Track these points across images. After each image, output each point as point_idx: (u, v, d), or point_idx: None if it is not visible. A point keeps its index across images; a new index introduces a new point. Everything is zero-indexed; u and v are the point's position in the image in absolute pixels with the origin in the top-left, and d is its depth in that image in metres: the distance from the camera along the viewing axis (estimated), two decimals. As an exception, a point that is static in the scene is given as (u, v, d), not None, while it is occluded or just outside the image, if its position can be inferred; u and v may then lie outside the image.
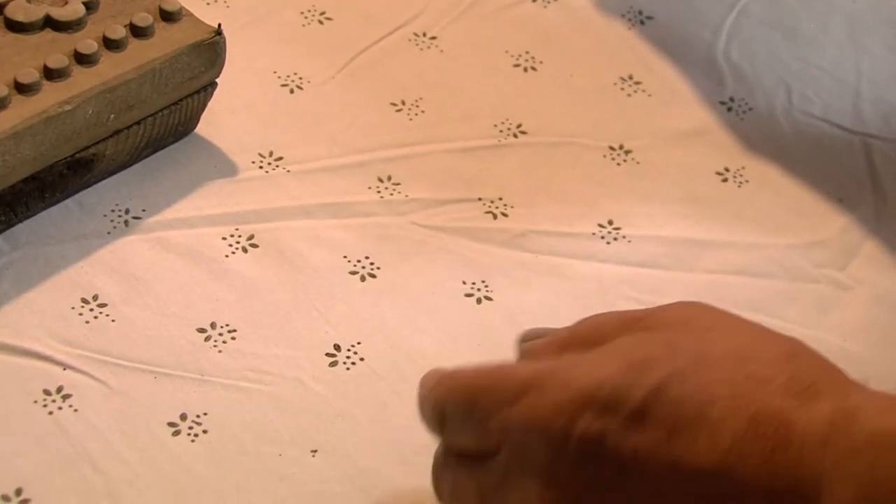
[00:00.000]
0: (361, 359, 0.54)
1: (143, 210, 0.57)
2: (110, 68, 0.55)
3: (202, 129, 0.60)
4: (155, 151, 0.59)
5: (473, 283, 0.57)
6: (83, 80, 0.55)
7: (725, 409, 0.39)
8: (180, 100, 0.58)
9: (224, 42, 0.58)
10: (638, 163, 0.63)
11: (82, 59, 0.55)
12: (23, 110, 0.53)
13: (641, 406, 0.39)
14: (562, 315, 0.56)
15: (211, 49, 0.57)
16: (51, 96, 0.54)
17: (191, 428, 0.51)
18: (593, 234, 0.59)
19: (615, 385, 0.40)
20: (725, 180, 0.62)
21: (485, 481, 0.43)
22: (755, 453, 0.38)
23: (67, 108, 0.54)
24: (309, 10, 0.66)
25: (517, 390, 0.42)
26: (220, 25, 0.57)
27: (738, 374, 0.40)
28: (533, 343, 0.47)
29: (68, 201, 0.57)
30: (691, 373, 0.40)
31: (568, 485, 0.40)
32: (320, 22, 0.66)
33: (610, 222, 0.60)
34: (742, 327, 0.44)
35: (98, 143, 0.56)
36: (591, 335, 0.44)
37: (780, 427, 0.39)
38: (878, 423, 0.38)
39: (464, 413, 0.44)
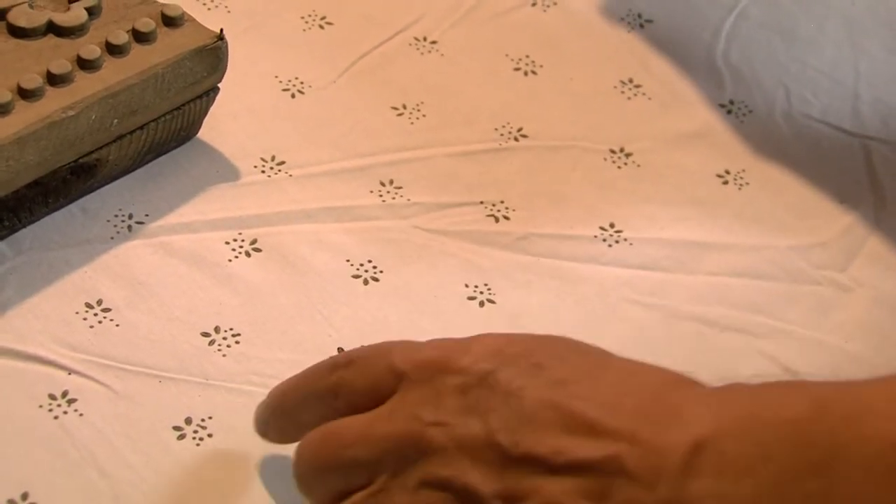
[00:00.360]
0: (366, 363, 0.54)
1: (147, 215, 0.57)
2: (113, 74, 0.55)
3: (204, 133, 0.60)
4: (158, 156, 0.59)
5: (476, 287, 0.57)
6: (86, 86, 0.55)
7: (615, 378, 0.43)
8: (183, 105, 0.58)
9: (226, 47, 0.58)
10: (639, 166, 0.63)
11: (85, 64, 0.55)
12: (26, 116, 0.53)
13: (537, 362, 0.43)
14: (563, 318, 0.57)
15: (213, 54, 0.57)
16: (54, 102, 0.54)
17: (196, 432, 0.51)
18: (595, 236, 0.59)
19: (521, 346, 0.44)
20: (726, 182, 0.62)
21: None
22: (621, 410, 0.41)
23: (71, 113, 0.54)
24: (310, 15, 0.66)
25: (415, 346, 0.46)
26: (221, 31, 0.58)
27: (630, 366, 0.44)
28: None
29: (72, 206, 0.57)
30: (590, 352, 0.44)
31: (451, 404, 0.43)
32: (321, 26, 0.66)
33: (611, 225, 0.60)
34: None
35: (101, 148, 0.56)
36: None
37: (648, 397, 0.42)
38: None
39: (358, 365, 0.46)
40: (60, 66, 0.55)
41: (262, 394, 0.52)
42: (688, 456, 0.39)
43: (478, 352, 0.44)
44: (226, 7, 0.66)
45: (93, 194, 0.58)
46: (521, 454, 0.41)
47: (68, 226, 0.57)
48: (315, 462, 0.45)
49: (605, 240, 0.59)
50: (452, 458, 0.42)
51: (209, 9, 0.65)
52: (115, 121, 0.56)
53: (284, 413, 0.48)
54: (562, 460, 0.40)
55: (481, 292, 0.57)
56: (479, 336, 0.45)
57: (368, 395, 0.45)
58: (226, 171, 0.60)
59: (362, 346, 0.48)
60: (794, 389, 0.42)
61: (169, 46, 0.57)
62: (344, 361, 0.47)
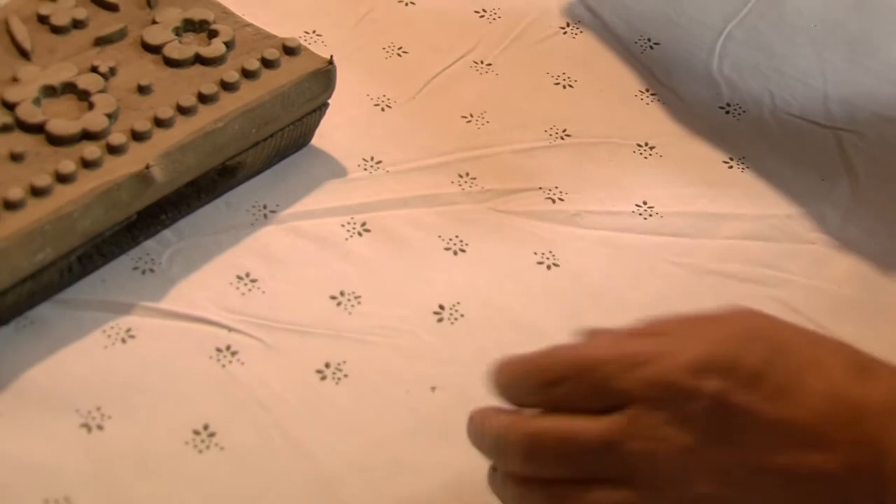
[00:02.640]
0: (462, 315, 0.56)
1: (277, 205, 0.59)
2: (250, 93, 0.57)
3: (316, 140, 0.62)
4: (282, 159, 0.61)
5: (543, 254, 0.59)
6: (229, 103, 0.56)
7: (815, 379, 0.41)
8: (303, 117, 0.59)
9: (335, 70, 0.59)
10: (661, 156, 0.64)
11: (227, 86, 0.57)
12: (185, 128, 0.55)
13: (754, 371, 0.40)
14: (614, 276, 0.58)
15: (326, 76, 0.59)
16: (206, 116, 0.56)
17: (334, 374, 0.53)
18: (632, 211, 0.61)
19: (731, 354, 0.41)
20: (731, 167, 0.64)
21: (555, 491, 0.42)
22: (837, 420, 0.40)
23: (219, 125, 0.56)
24: (389, 46, 0.67)
25: (634, 361, 0.42)
26: (331, 57, 0.59)
27: (816, 354, 0.42)
28: (600, 334, 0.46)
29: (218, 201, 0.58)
30: (784, 349, 0.41)
31: (697, 432, 0.40)
32: (399, 55, 0.67)
33: (644, 202, 0.62)
34: (792, 325, 0.44)
35: (242, 153, 0.58)
36: (653, 329, 0.44)
37: (849, 402, 0.40)
38: None
39: (577, 379, 0.42)
40: (209, 88, 0.56)
41: (383, 342, 0.54)
42: None
43: (692, 365, 0.41)
44: (322, 41, 0.67)
45: (234, 190, 0.59)
46: (772, 468, 0.40)
47: (217, 216, 0.58)
48: (552, 460, 0.42)
49: (640, 214, 0.61)
50: (697, 472, 0.40)
51: (309, 43, 0.66)
52: (253, 130, 0.57)
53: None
54: (804, 472, 0.40)
55: (547, 258, 0.59)
56: (674, 336, 0.43)
57: (585, 410, 0.42)
58: (336, 170, 0.61)
59: (559, 352, 0.44)
60: None
61: (291, 70, 0.58)
62: (556, 379, 0.43)
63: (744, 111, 0.67)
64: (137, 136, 0.54)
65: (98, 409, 0.50)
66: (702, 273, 0.59)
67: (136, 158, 0.53)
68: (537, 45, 0.69)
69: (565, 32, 0.70)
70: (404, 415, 0.52)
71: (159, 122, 0.55)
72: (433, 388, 0.53)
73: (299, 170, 0.61)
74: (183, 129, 0.55)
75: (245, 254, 0.57)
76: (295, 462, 0.50)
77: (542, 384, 0.43)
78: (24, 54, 0.56)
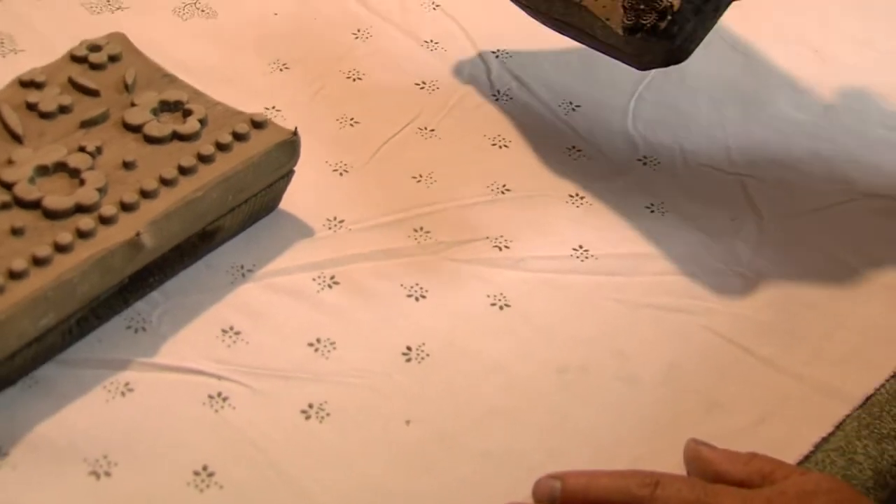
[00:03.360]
0: (427, 354, 0.58)
1: (253, 265, 0.61)
2: (224, 164, 0.59)
3: (283, 204, 0.64)
4: (254, 223, 0.63)
5: (495, 296, 0.61)
6: (207, 174, 0.58)
7: None
8: (272, 183, 0.61)
9: (300, 140, 0.62)
10: (591, 205, 0.67)
11: (204, 158, 0.59)
12: (169, 198, 0.57)
13: None
14: (560, 312, 0.61)
15: (291, 145, 0.61)
16: (187, 187, 0.57)
17: (317, 413, 0.55)
18: (570, 255, 0.64)
19: None
20: (653, 212, 0.67)
21: None
22: None
23: (199, 194, 0.58)
24: (342, 117, 0.70)
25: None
26: (296, 129, 0.62)
27: None
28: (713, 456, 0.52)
29: (199, 263, 0.60)
30: None
31: None
32: (351, 125, 0.70)
33: (581, 246, 0.65)
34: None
35: (219, 218, 0.59)
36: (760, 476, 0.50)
37: None
38: None
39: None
40: (188, 161, 0.58)
41: (359, 383, 0.56)
42: None
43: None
44: (282, 116, 0.69)
45: (213, 253, 0.61)
46: None
47: (199, 277, 0.60)
48: None
49: (577, 257, 0.64)
50: None
51: (271, 117, 0.68)
52: (230, 197, 0.59)
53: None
54: None
55: (499, 300, 0.61)
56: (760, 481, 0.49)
57: None
58: (303, 230, 0.63)
59: (653, 473, 0.50)
60: None
61: (260, 142, 0.60)
62: (651, 482, 0.49)
63: (659, 162, 0.71)
64: (126, 207, 0.56)
65: (105, 457, 0.51)
66: (637, 307, 0.62)
67: (126, 227, 0.55)
68: (474, 110, 0.72)
69: (497, 99, 0.74)
70: (384, 448, 0.54)
71: (145, 194, 0.57)
72: (408, 422, 0.55)
73: (270, 232, 0.63)
74: (167, 199, 0.57)
75: (227, 310, 0.59)
76: (290, 496, 0.51)
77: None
78: (17, 138, 0.58)
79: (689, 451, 0.52)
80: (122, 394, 0.54)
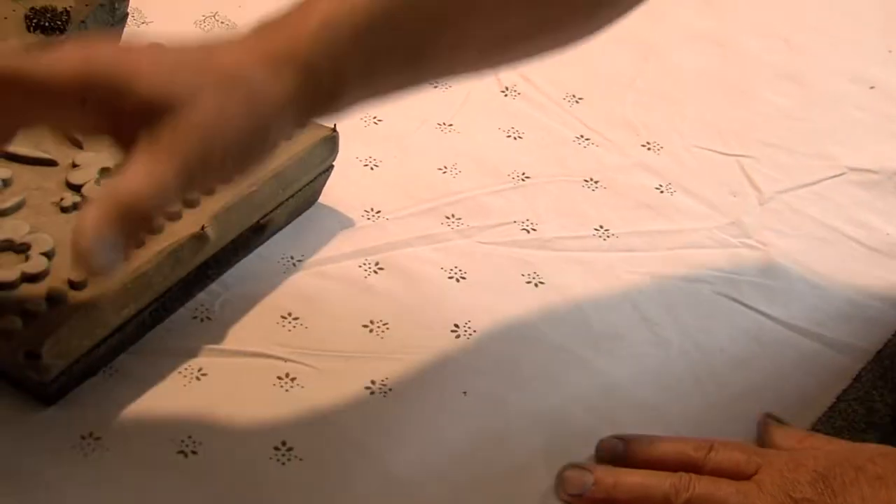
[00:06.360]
0: (475, 331, 0.60)
1: (302, 255, 0.63)
2: (274, 160, 0.58)
3: (323, 198, 0.66)
4: (299, 215, 0.64)
5: (529, 274, 0.64)
6: (259, 170, 0.58)
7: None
8: (315, 177, 0.63)
9: (338, 137, 0.64)
10: (605, 188, 0.70)
11: (255, 155, 0.60)
12: (227, 194, 0.58)
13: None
14: (588, 286, 0.63)
15: (332, 141, 0.63)
16: (242, 183, 0.58)
17: (380, 388, 0.57)
18: (592, 234, 0.67)
19: None
20: (662, 192, 0.70)
21: None
22: None
23: (254, 188, 0.59)
24: (366, 117, 0.72)
25: None
26: (335, 125, 0.63)
27: None
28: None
29: (251, 255, 0.62)
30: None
31: None
32: (375, 123, 0.72)
33: (601, 226, 0.67)
34: None
35: (271, 211, 0.61)
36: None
37: None
38: None
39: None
40: (240, 158, 0.60)
41: (411, 358, 0.58)
42: None
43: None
44: (309, 116, 0.71)
45: (263, 245, 0.62)
46: None
47: (253, 268, 0.61)
48: None
49: (600, 236, 0.67)
50: None
51: None
52: (280, 191, 0.61)
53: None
54: None
55: (534, 278, 0.64)
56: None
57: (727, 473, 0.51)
58: (344, 221, 0.65)
59: (708, 439, 0.53)
60: None
61: (304, 139, 0.62)
62: (706, 445, 0.52)
63: (661, 147, 0.74)
64: (189, 204, 0.57)
65: (189, 437, 0.53)
66: (657, 278, 0.65)
67: (191, 222, 0.57)
68: (485, 106, 0.75)
69: (505, 95, 0.76)
70: (445, 417, 0.56)
71: (206, 191, 0.58)
72: (465, 393, 0.57)
73: (313, 223, 0.64)
74: (225, 195, 0.58)
75: (283, 297, 0.60)
76: (365, 465, 0.53)
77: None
78: (77, 144, 0.59)
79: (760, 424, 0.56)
80: (198, 378, 0.55)
